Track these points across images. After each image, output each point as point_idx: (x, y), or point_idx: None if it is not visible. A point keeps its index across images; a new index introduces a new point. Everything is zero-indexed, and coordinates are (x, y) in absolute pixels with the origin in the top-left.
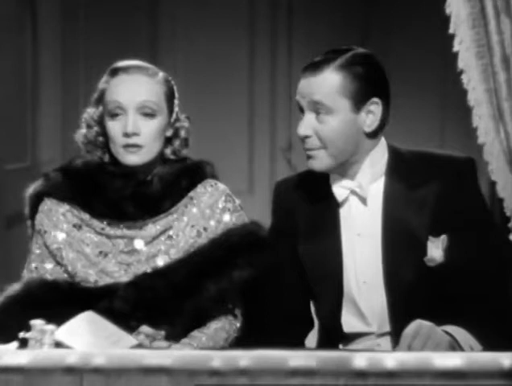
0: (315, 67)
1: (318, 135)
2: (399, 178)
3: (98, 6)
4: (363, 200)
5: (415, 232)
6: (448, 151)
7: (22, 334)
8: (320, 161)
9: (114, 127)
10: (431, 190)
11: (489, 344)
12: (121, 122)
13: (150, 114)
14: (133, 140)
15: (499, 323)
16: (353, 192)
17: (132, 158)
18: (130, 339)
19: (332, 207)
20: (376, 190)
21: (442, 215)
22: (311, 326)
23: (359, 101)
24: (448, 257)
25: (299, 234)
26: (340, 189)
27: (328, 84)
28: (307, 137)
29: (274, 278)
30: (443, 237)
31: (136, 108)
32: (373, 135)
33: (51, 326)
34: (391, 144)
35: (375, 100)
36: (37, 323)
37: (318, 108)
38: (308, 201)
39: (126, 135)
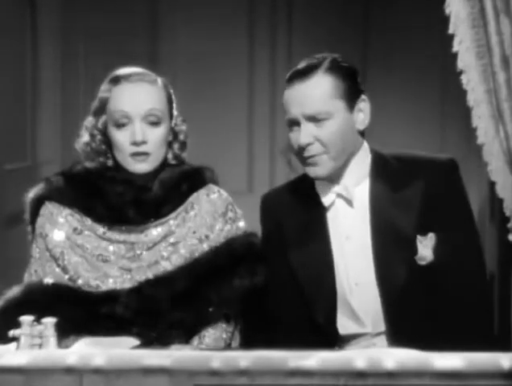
0: (302, 74)
1: (319, 140)
2: (383, 180)
3: (98, 5)
4: (349, 203)
5: (404, 232)
6: (429, 153)
7: (11, 333)
8: (323, 166)
9: (121, 136)
10: (415, 190)
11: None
12: (128, 131)
13: (155, 122)
14: (142, 148)
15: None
16: (339, 195)
17: (141, 166)
18: (131, 340)
19: (319, 212)
20: (361, 192)
21: (427, 215)
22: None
23: (351, 100)
24: (436, 255)
25: (289, 242)
26: (326, 193)
27: (321, 88)
28: (309, 144)
29: (271, 288)
30: (431, 235)
31: (142, 116)
32: (363, 134)
33: (50, 319)
34: (373, 147)
35: (363, 97)
36: (26, 319)
37: (315, 116)
38: (296, 209)
39: (135, 144)
